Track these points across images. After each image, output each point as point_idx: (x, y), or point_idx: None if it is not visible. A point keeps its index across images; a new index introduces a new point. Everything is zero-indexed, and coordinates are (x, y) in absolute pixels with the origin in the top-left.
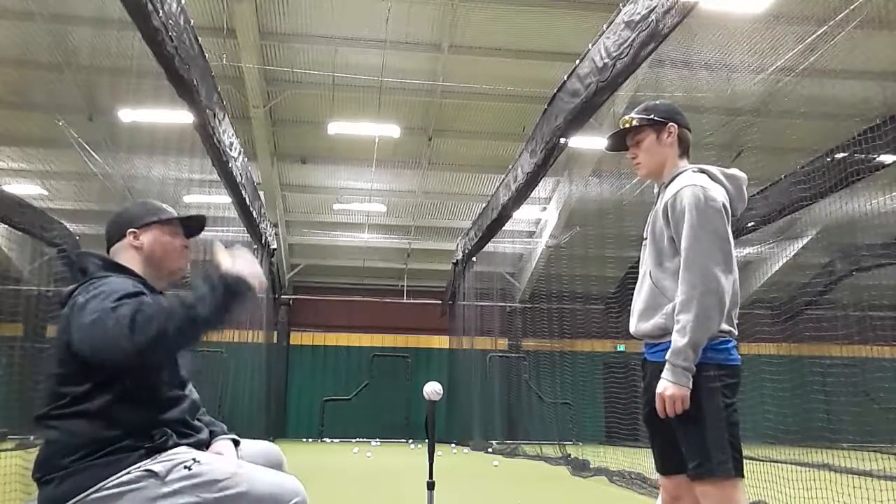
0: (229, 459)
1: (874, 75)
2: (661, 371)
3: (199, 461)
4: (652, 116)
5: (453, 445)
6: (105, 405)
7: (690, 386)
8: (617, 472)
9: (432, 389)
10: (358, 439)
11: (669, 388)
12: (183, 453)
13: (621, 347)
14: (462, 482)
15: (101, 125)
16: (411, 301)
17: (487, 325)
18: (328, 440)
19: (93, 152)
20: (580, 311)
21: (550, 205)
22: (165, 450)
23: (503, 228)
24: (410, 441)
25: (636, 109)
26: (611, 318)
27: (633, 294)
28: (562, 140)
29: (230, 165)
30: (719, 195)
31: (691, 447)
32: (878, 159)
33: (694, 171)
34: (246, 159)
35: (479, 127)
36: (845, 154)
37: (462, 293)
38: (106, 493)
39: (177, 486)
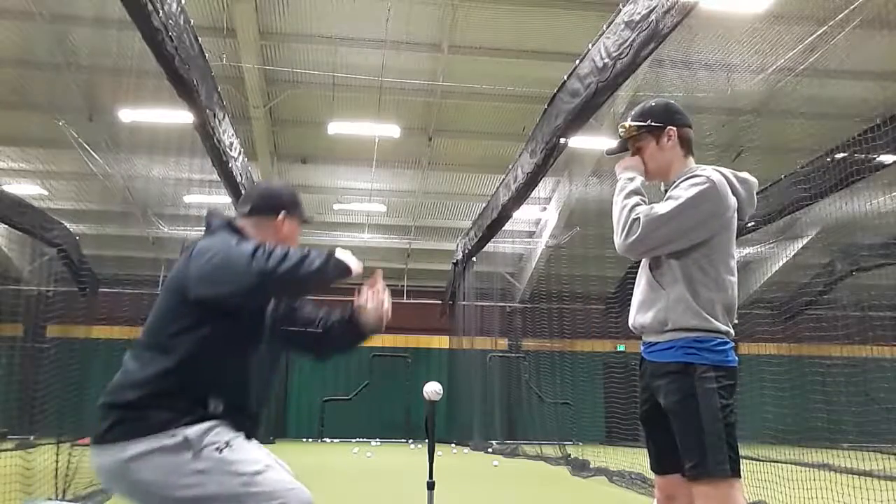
0: (261, 453)
1: (874, 75)
2: (659, 371)
3: (231, 446)
4: (649, 122)
5: (453, 445)
6: (184, 350)
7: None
8: (617, 472)
9: (432, 389)
10: (358, 439)
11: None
12: (221, 433)
13: (621, 347)
14: (462, 482)
15: (101, 125)
16: (411, 301)
17: (487, 325)
18: (328, 440)
19: (93, 152)
20: (580, 311)
21: (550, 205)
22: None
23: (503, 228)
24: (410, 441)
25: (632, 114)
26: (611, 318)
27: (633, 293)
28: (562, 140)
29: (230, 165)
30: (730, 197)
31: (688, 447)
32: (878, 159)
33: (711, 170)
34: (246, 159)
35: (479, 127)
36: (845, 154)
37: (462, 293)
38: (145, 447)
39: (204, 464)
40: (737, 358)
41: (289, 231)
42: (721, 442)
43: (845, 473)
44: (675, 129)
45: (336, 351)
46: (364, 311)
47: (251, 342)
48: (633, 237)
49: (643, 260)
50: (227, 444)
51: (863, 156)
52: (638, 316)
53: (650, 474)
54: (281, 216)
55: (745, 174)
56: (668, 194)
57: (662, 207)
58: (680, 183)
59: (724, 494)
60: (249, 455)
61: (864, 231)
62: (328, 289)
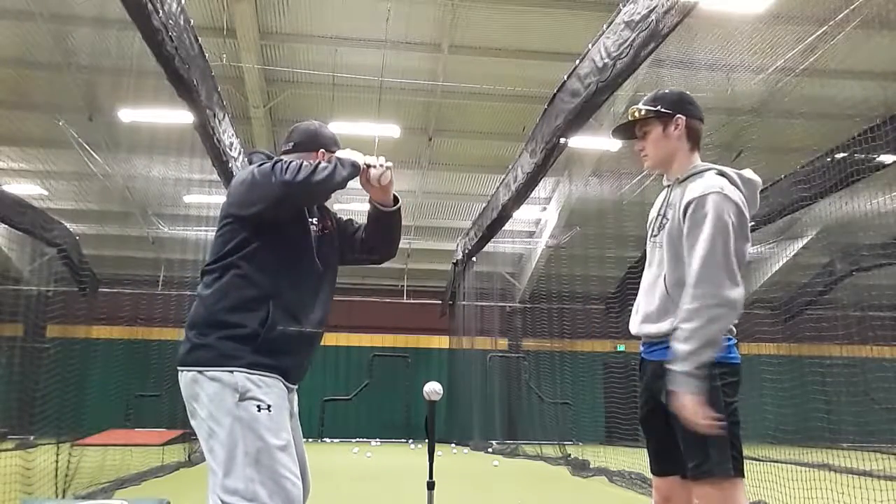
0: (288, 434)
1: (874, 75)
2: (661, 370)
3: (270, 412)
4: (658, 108)
5: (453, 445)
6: (241, 263)
7: (703, 392)
8: (617, 472)
9: (432, 389)
10: (358, 439)
11: (687, 399)
12: (269, 394)
13: (621, 347)
14: (462, 482)
15: (101, 125)
16: (411, 301)
17: (487, 325)
18: (328, 440)
19: (93, 152)
20: (580, 311)
21: (550, 205)
22: (271, 345)
23: (503, 228)
24: (410, 441)
25: (646, 98)
26: (611, 318)
27: (633, 293)
28: (562, 140)
29: (230, 165)
30: (741, 203)
31: (691, 447)
32: (878, 159)
33: (716, 174)
34: (246, 159)
35: (479, 127)
36: (845, 154)
37: (462, 293)
38: (210, 375)
39: (240, 413)
40: (739, 355)
41: None
42: (724, 441)
43: (845, 473)
44: (683, 118)
45: (376, 241)
46: (368, 187)
47: (300, 252)
48: (731, 293)
49: (654, 269)
50: (269, 407)
51: (863, 156)
52: (644, 325)
53: (650, 474)
54: (321, 153)
55: (749, 173)
56: (687, 222)
57: (705, 265)
58: (698, 206)
59: (727, 495)
60: (280, 429)
61: (864, 231)
62: (345, 186)
